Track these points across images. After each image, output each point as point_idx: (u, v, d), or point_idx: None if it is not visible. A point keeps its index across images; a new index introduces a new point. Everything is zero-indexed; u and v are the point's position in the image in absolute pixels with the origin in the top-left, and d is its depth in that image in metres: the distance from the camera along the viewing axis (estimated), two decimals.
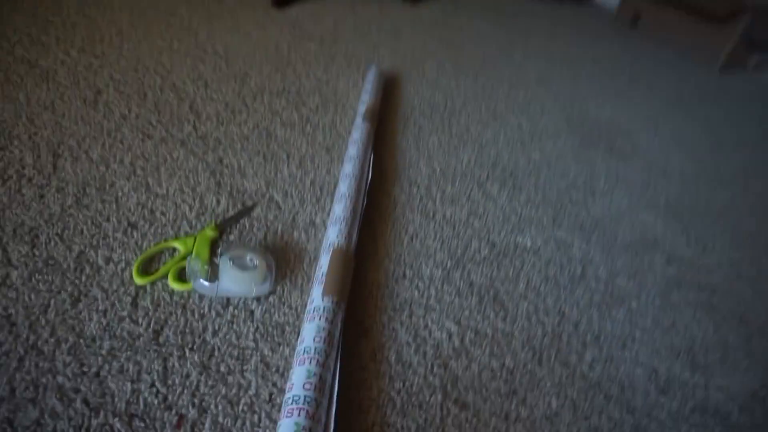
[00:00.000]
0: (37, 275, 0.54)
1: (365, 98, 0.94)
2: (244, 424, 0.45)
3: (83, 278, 0.55)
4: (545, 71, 1.35)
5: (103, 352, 0.49)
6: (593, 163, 0.98)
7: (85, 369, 0.47)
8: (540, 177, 0.90)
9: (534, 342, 0.59)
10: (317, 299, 0.53)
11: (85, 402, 0.45)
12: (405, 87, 1.10)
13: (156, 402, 0.46)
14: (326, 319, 0.51)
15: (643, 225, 0.83)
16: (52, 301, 0.52)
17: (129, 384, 0.47)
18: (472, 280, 0.65)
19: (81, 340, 0.49)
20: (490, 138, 0.98)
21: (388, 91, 1.07)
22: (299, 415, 0.43)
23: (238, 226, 0.65)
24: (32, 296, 0.52)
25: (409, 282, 0.63)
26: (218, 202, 0.68)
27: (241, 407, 0.47)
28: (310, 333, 0.50)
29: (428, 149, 0.90)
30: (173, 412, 0.45)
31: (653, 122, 1.20)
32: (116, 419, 0.44)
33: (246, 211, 0.68)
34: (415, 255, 0.67)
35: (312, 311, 0.52)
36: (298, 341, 0.50)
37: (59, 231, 0.59)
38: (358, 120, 0.87)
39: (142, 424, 0.44)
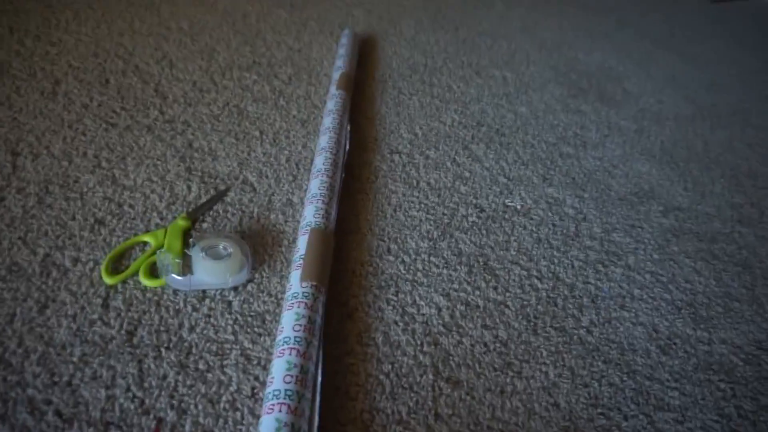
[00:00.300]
0: (0, 283, 0.51)
1: (339, 64, 0.89)
2: (226, 422, 0.43)
3: (50, 282, 0.52)
4: (529, 19, 1.29)
5: (75, 359, 0.46)
6: (583, 113, 0.93)
7: (56, 379, 0.45)
8: (528, 132, 0.86)
9: (528, 310, 0.57)
10: (295, 285, 0.51)
11: (58, 413, 0.43)
12: (382, 49, 1.05)
13: (132, 407, 0.44)
14: (305, 305, 0.49)
15: (637, 175, 0.80)
16: (18, 310, 0.49)
17: (103, 391, 0.44)
18: (461, 250, 0.63)
19: (51, 349, 0.47)
20: (473, 95, 0.94)
21: (364, 55, 1.02)
22: (280, 410, 0.41)
23: (211, 213, 0.62)
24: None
25: (393, 257, 0.60)
26: (189, 189, 0.65)
27: (222, 405, 0.45)
28: (289, 322, 0.47)
29: (409, 113, 0.86)
30: (151, 416, 0.43)
31: (644, 65, 1.15)
32: (91, 429, 0.42)
33: (219, 196, 0.64)
34: (399, 228, 0.64)
35: (290, 298, 0.50)
36: (278, 331, 0.48)
37: (22, 234, 0.56)
38: (332, 88, 0.83)
39: None
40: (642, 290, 0.61)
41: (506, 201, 0.71)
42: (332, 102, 0.79)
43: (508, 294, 0.58)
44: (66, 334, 0.48)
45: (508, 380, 0.50)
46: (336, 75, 0.86)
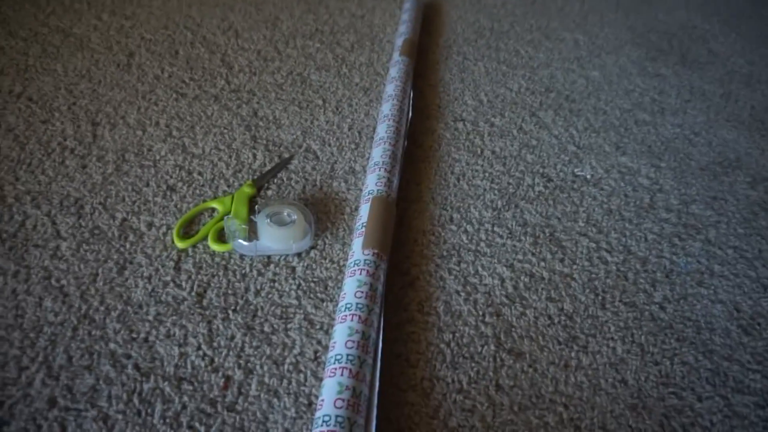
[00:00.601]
0: (84, 246, 0.55)
1: (403, 30, 0.88)
2: (290, 383, 0.45)
3: (127, 245, 0.55)
4: None
5: (150, 317, 0.49)
6: (663, 77, 0.87)
7: (134, 335, 0.48)
8: (600, 98, 0.81)
9: (596, 283, 0.55)
10: (357, 252, 0.51)
11: (137, 367, 0.45)
12: (446, 13, 1.02)
13: (203, 365, 0.46)
14: (367, 273, 0.49)
15: (722, 143, 0.74)
16: (100, 270, 0.53)
17: (176, 348, 0.47)
18: (526, 220, 0.61)
19: (129, 307, 0.50)
20: (542, 60, 0.89)
21: (428, 20, 0.99)
22: (342, 374, 0.41)
23: (275, 181, 0.64)
24: (81, 266, 0.53)
25: (456, 226, 0.59)
26: (254, 157, 0.66)
27: (286, 367, 0.46)
28: (351, 289, 0.48)
29: (474, 79, 0.83)
30: (220, 374, 0.45)
31: (734, 23, 1.05)
32: (166, 383, 0.44)
33: (283, 164, 0.65)
34: (462, 197, 0.63)
35: (352, 265, 0.50)
36: (340, 298, 0.48)
37: (102, 200, 0.60)
38: (396, 55, 0.81)
39: (191, 387, 0.44)
40: (723, 266, 0.57)
41: (575, 170, 0.67)
42: (395, 69, 0.77)
43: (575, 266, 0.56)
44: (142, 294, 0.51)
45: (573, 354, 0.48)
46: (399, 41, 0.84)
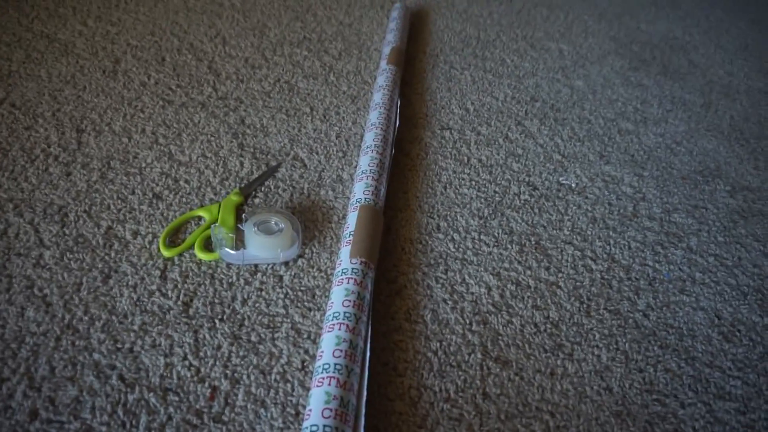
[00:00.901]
0: (68, 254, 0.54)
1: (390, 39, 0.88)
2: (277, 393, 0.45)
3: (112, 254, 0.55)
4: None
5: (135, 327, 0.49)
6: (645, 86, 0.89)
7: (119, 345, 0.47)
8: (584, 108, 0.82)
9: (581, 291, 0.55)
10: (345, 261, 0.51)
11: (121, 378, 0.45)
12: (433, 22, 1.03)
13: (189, 375, 0.45)
14: (355, 281, 0.49)
15: (703, 152, 0.76)
16: (84, 279, 0.52)
17: (162, 358, 0.46)
18: (512, 228, 0.61)
19: (114, 317, 0.49)
20: (528, 69, 0.90)
21: (415, 29, 1.00)
22: (330, 384, 0.41)
23: (263, 189, 0.63)
24: (65, 275, 0.52)
25: (443, 235, 0.60)
26: (242, 164, 0.66)
27: (273, 377, 0.46)
28: (339, 297, 0.48)
29: (460, 88, 0.84)
30: (206, 384, 0.45)
31: (714, 35, 1.07)
32: (151, 394, 0.44)
33: (270, 172, 0.65)
34: (449, 205, 0.64)
35: (340, 274, 0.50)
36: (327, 307, 0.48)
37: (87, 208, 0.59)
38: (383, 63, 0.82)
39: (177, 398, 0.44)
40: (704, 274, 0.58)
41: (560, 179, 0.68)
42: (383, 77, 0.78)
43: (560, 274, 0.57)
44: (127, 304, 0.50)
45: (558, 362, 0.49)
46: (386, 50, 0.85)
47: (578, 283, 0.56)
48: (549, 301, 0.54)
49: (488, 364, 0.48)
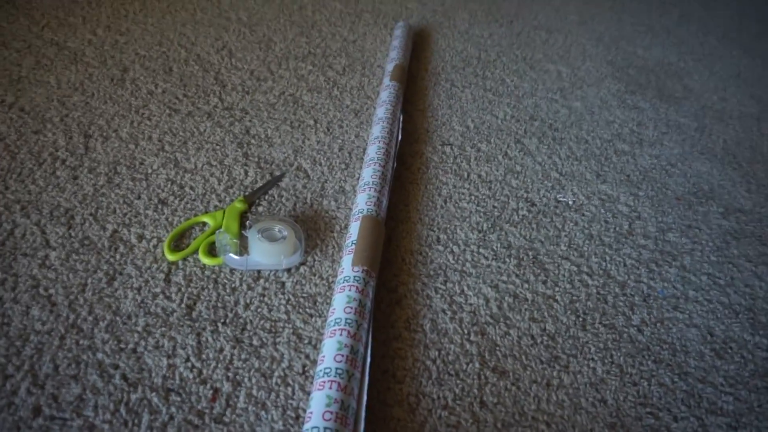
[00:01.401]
0: (74, 255, 0.55)
1: (393, 56, 0.90)
2: (278, 396, 0.45)
3: (117, 257, 0.55)
4: (586, 12, 1.26)
5: (139, 328, 0.49)
6: (641, 109, 0.91)
7: (122, 345, 0.48)
8: (582, 128, 0.84)
9: (577, 305, 0.56)
10: (347, 269, 0.52)
11: (124, 377, 0.45)
12: (435, 41, 1.05)
13: (191, 376, 0.46)
14: (357, 289, 0.50)
15: (697, 174, 0.77)
16: (89, 280, 0.53)
17: (165, 359, 0.47)
18: (510, 243, 0.63)
19: (117, 318, 0.50)
20: (527, 89, 0.92)
21: (418, 47, 1.02)
22: (331, 387, 0.42)
23: (266, 197, 0.65)
24: (70, 276, 0.53)
25: (443, 247, 0.61)
26: (246, 173, 0.68)
27: (274, 380, 0.46)
28: (341, 304, 0.49)
29: (461, 106, 0.86)
30: (208, 386, 0.45)
31: (708, 61, 1.10)
32: (153, 394, 0.44)
33: (274, 182, 0.67)
34: (449, 218, 0.65)
35: (342, 282, 0.51)
36: (329, 313, 0.49)
37: (93, 211, 0.60)
38: (386, 79, 0.84)
39: (179, 398, 0.44)
40: (697, 292, 0.60)
41: (558, 196, 0.70)
42: (386, 93, 0.79)
43: (557, 288, 0.58)
44: (131, 305, 0.51)
45: (554, 373, 0.50)
46: (390, 66, 0.87)
47: (574, 298, 0.57)
48: (546, 314, 0.55)
49: (486, 374, 0.49)
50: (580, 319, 0.55)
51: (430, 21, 1.13)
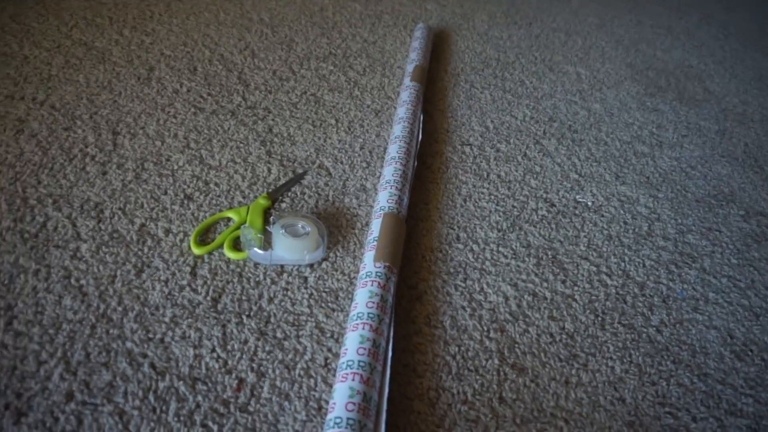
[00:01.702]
0: (104, 248, 0.57)
1: (413, 57, 0.91)
2: (300, 387, 0.46)
3: (145, 250, 0.57)
4: (605, 15, 1.26)
5: (166, 319, 0.51)
6: (660, 111, 0.91)
7: (150, 335, 0.49)
8: (601, 130, 0.84)
9: (596, 305, 0.57)
10: (369, 265, 0.53)
11: (152, 366, 0.47)
12: (455, 43, 1.06)
13: (217, 366, 0.47)
14: (378, 284, 0.51)
15: (717, 177, 0.77)
16: (119, 272, 0.54)
17: (191, 349, 0.48)
18: (530, 242, 0.63)
19: (146, 309, 0.51)
20: (546, 91, 0.93)
21: (437, 48, 1.03)
22: (353, 379, 0.43)
23: (289, 194, 0.66)
24: (100, 268, 0.55)
25: (462, 245, 0.62)
26: (269, 171, 0.69)
27: (297, 372, 0.48)
28: (363, 299, 0.50)
29: (480, 106, 0.87)
30: (233, 376, 0.47)
31: (729, 64, 1.10)
32: (180, 382, 0.46)
33: (297, 179, 0.68)
34: (468, 217, 0.66)
35: (364, 277, 0.52)
36: (351, 307, 0.50)
37: (122, 205, 0.62)
38: (407, 80, 0.85)
39: (205, 387, 0.46)
40: (717, 294, 0.60)
41: (577, 197, 0.70)
42: (406, 93, 0.80)
43: (576, 288, 0.58)
44: (159, 297, 0.53)
45: (573, 371, 0.50)
46: (410, 67, 0.88)
47: (593, 297, 0.57)
48: (565, 312, 0.55)
49: (505, 370, 0.50)
50: (599, 319, 0.55)
51: (450, 22, 1.13)
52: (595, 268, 0.61)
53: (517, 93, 0.91)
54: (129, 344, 0.48)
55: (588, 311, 0.56)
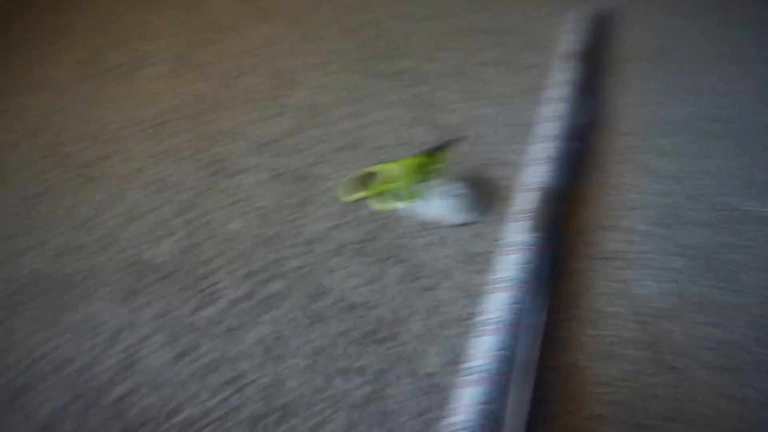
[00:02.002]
0: (271, 183, 0.62)
1: (575, 39, 0.87)
2: (435, 337, 0.48)
3: (306, 189, 0.62)
4: None
5: (317, 253, 0.55)
6: None
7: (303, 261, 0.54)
8: None
9: (761, 321, 0.51)
10: (522, 234, 0.53)
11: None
12: (624, 28, 0.99)
13: (360, 301, 0.50)
14: (531, 252, 0.51)
15: None
16: (285, 203, 0.60)
17: (339, 282, 0.52)
18: (694, 242, 0.58)
19: (299, 241, 0.56)
20: (724, 88, 0.84)
21: (600, 33, 0.97)
22: (498, 334, 0.44)
23: (443, 157, 0.67)
24: (266, 199, 0.60)
25: (620, 234, 0.59)
26: (422, 133, 0.70)
27: (433, 321, 0.49)
28: (513, 264, 0.50)
29: (644, 95, 0.81)
30: (373, 314, 0.49)
31: None
32: (335, 307, 0.49)
33: (451, 143, 0.69)
34: (627, 207, 0.62)
35: (515, 245, 0.52)
36: (500, 270, 0.51)
37: (292, 144, 0.67)
38: (566, 62, 0.81)
39: (349, 317, 0.49)
40: None
41: (754, 205, 0.63)
42: (564, 74, 0.77)
43: (741, 297, 0.53)
44: (312, 232, 0.57)
45: (724, 381, 0.46)
46: (570, 49, 0.84)
47: (757, 311, 0.52)
48: (728, 321, 0.51)
49: (654, 364, 0.47)
50: (764, 335, 0.50)
51: (618, 7, 1.06)
52: (765, 282, 0.55)
53: (693, 88, 0.84)
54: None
55: (755, 327, 0.51)
